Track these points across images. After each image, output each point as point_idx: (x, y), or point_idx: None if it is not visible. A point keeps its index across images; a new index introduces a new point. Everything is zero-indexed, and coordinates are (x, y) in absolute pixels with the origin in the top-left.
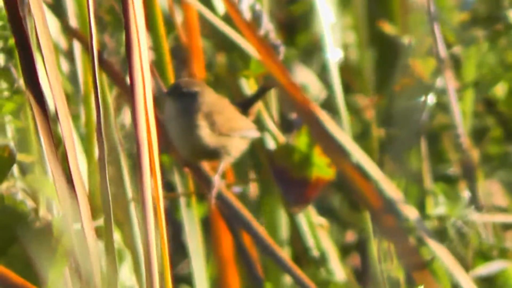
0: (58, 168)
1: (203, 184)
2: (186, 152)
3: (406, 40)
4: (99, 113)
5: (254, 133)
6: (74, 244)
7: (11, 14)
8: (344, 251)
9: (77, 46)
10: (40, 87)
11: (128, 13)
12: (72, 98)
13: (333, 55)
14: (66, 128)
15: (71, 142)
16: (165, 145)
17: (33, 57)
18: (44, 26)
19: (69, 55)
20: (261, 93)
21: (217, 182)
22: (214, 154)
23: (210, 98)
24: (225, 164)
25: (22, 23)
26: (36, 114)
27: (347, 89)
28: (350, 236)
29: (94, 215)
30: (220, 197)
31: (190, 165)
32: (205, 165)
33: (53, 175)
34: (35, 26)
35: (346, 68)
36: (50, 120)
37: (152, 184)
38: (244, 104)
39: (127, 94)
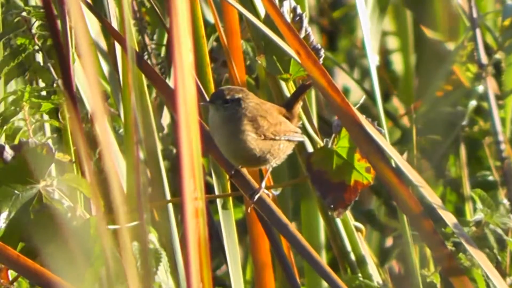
0: (90, 167)
1: (245, 189)
2: (233, 159)
3: (448, 45)
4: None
5: (299, 137)
6: (109, 244)
7: (47, 14)
8: (383, 256)
9: (117, 47)
10: (73, 86)
11: (173, 14)
12: (112, 99)
13: (373, 60)
14: (102, 128)
15: (107, 141)
16: (204, 148)
17: (66, 57)
18: (82, 25)
19: (109, 56)
20: (300, 92)
21: (262, 188)
22: (260, 159)
23: (253, 103)
24: (270, 169)
25: (56, 23)
26: (68, 113)
27: (387, 94)
28: (389, 241)
29: (132, 215)
30: (257, 200)
31: (235, 173)
32: (247, 171)
33: (87, 175)
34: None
35: (386, 73)
36: (83, 119)
37: (193, 186)
38: (286, 106)
39: (165, 95)
